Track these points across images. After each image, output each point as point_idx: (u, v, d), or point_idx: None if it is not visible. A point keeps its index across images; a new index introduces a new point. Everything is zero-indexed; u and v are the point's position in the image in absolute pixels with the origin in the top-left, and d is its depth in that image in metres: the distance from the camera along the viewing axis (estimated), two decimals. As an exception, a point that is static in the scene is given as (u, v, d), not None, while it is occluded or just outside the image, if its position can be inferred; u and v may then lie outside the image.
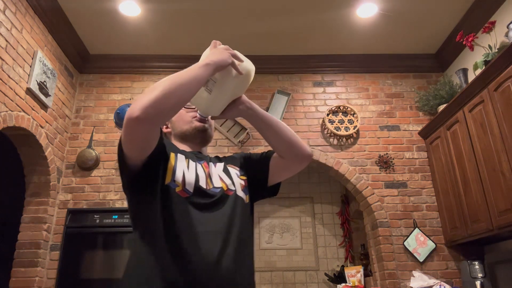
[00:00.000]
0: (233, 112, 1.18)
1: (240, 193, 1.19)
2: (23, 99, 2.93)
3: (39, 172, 3.30)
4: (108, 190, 3.52)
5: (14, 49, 2.80)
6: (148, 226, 1.06)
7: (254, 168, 1.29)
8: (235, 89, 1.14)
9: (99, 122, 3.76)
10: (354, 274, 3.76)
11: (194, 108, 1.29)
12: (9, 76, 2.74)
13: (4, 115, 2.69)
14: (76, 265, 3.25)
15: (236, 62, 1.09)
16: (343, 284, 3.82)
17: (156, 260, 1.00)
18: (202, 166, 1.19)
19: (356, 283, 3.68)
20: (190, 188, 1.10)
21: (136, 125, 0.94)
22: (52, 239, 3.32)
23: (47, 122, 3.29)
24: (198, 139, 1.28)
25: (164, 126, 1.33)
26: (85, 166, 3.55)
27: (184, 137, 1.28)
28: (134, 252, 1.07)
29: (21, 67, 2.90)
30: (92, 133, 3.69)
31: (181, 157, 1.16)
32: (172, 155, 1.15)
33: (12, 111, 2.78)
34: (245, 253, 1.10)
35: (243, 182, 1.23)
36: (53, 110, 3.39)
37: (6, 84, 2.71)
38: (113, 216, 3.40)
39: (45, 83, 3.18)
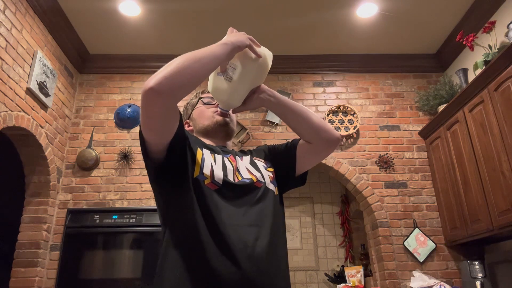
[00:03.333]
0: (255, 102, 1.17)
1: (270, 185, 1.18)
2: (23, 99, 2.93)
3: (39, 172, 3.30)
4: (108, 190, 3.52)
5: (14, 49, 2.80)
6: (184, 218, 1.04)
7: (281, 159, 1.27)
8: (255, 75, 1.12)
9: (99, 122, 3.76)
10: (354, 274, 3.76)
11: (215, 104, 1.28)
12: (9, 76, 2.74)
13: (4, 115, 2.69)
14: (76, 265, 3.25)
15: (254, 46, 1.09)
16: (343, 284, 3.82)
17: (200, 251, 0.98)
18: (229, 159, 1.18)
19: (356, 283, 3.68)
20: (219, 181, 1.09)
21: (151, 97, 0.92)
22: (52, 239, 3.32)
23: (47, 122, 3.29)
24: (221, 133, 1.27)
25: (186, 125, 1.34)
26: (85, 166, 3.55)
27: (206, 132, 1.27)
28: (169, 245, 1.03)
29: (21, 67, 2.90)
30: (92, 133, 3.69)
31: (207, 151, 1.15)
32: (199, 149, 1.14)
33: (12, 111, 2.78)
34: (278, 244, 1.09)
35: (271, 174, 1.21)
36: (53, 110, 3.39)
37: (6, 84, 2.71)
38: (113, 216, 3.40)
39: (45, 83, 3.18)
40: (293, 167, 1.25)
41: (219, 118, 1.26)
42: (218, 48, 1.02)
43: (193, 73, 0.96)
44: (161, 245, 1.07)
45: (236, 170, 1.15)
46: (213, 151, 1.17)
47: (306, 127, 1.20)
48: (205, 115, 1.29)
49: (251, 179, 1.14)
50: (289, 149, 1.26)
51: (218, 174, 1.10)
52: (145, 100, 0.94)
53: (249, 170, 1.18)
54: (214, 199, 1.05)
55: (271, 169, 1.23)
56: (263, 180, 1.16)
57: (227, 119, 1.27)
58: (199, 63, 0.98)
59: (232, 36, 1.07)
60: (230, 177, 1.11)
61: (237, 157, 1.22)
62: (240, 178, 1.13)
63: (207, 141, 1.25)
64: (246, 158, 1.23)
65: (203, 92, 1.37)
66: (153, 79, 0.92)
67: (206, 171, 1.09)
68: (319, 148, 1.22)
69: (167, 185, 1.10)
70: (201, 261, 0.98)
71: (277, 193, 1.20)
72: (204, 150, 1.15)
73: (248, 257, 0.99)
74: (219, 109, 1.25)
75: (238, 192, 1.09)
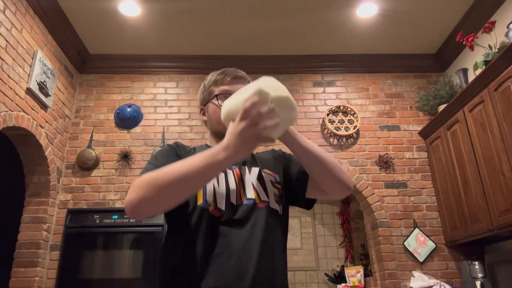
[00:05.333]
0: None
1: (274, 204, 1.13)
2: (23, 99, 2.93)
3: (39, 172, 3.30)
4: (108, 190, 3.52)
5: (14, 49, 2.80)
6: (184, 245, 1.05)
7: (292, 181, 1.21)
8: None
9: (99, 122, 3.76)
10: (354, 274, 3.76)
11: None
12: (9, 76, 2.74)
13: (4, 115, 2.69)
14: (76, 265, 3.25)
15: (269, 123, 0.88)
16: (343, 284, 3.82)
17: (196, 278, 1.00)
18: (233, 173, 1.14)
19: (356, 283, 3.68)
20: (222, 206, 1.06)
21: (134, 216, 0.95)
22: (52, 239, 3.32)
23: (47, 122, 3.29)
24: None
25: (201, 112, 1.29)
26: (85, 166, 3.55)
27: (217, 135, 1.23)
28: (167, 259, 1.08)
29: (21, 67, 2.90)
30: (92, 133, 3.69)
31: None
32: None
33: (12, 111, 2.78)
34: (276, 265, 1.07)
35: (277, 192, 1.16)
36: (53, 110, 3.39)
37: (6, 84, 2.71)
38: (113, 216, 3.39)
39: (45, 83, 3.18)
40: (303, 193, 1.20)
41: None
42: (213, 164, 0.89)
43: (179, 194, 0.92)
44: (160, 263, 1.09)
45: (241, 187, 1.12)
46: None
47: (319, 173, 1.12)
48: (217, 117, 1.17)
49: (254, 199, 1.10)
50: (303, 174, 1.19)
51: (221, 199, 1.07)
52: (130, 215, 0.94)
53: (254, 186, 1.13)
54: (216, 226, 1.04)
55: (279, 186, 1.19)
56: (267, 199, 1.12)
57: None
58: (186, 184, 0.91)
59: (238, 138, 0.88)
60: (233, 200, 1.09)
61: (244, 168, 1.17)
62: (243, 200, 1.10)
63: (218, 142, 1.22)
64: (255, 171, 1.17)
65: (221, 83, 1.22)
66: (130, 205, 0.91)
67: (209, 197, 1.07)
68: (328, 193, 1.17)
69: (172, 215, 1.11)
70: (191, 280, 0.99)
71: (281, 212, 1.15)
72: None
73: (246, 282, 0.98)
74: None
75: (240, 214, 1.07)
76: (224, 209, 1.06)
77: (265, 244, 1.05)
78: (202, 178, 0.92)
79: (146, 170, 1.08)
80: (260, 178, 1.16)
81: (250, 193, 1.11)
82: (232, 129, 0.89)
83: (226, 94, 1.17)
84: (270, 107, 0.87)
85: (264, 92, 0.89)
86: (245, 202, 1.09)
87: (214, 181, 1.10)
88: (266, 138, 0.88)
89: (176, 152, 1.16)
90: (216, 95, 1.20)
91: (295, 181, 1.21)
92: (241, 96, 0.94)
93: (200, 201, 1.07)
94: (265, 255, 1.04)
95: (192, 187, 0.93)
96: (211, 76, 1.25)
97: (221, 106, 1.15)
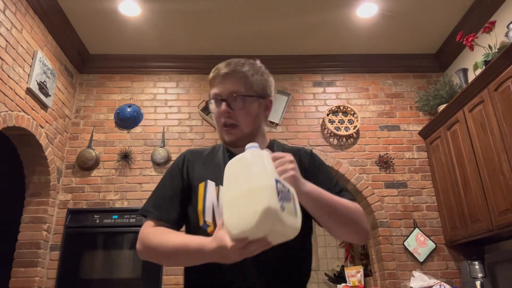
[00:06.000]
0: None
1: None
2: (23, 99, 2.93)
3: (39, 172, 3.30)
4: (108, 190, 3.52)
5: (14, 49, 2.80)
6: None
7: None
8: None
9: (99, 122, 3.76)
10: (354, 274, 3.75)
11: (222, 107, 1.12)
12: (9, 76, 2.74)
13: (4, 115, 2.69)
14: (76, 265, 3.25)
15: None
16: (343, 284, 3.82)
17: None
18: None
19: (356, 283, 3.68)
20: None
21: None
22: (52, 239, 3.32)
23: (47, 122, 3.29)
24: (236, 148, 1.15)
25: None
26: (85, 166, 3.55)
27: (220, 139, 1.21)
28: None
29: (21, 67, 2.90)
30: (92, 133, 3.69)
31: (211, 185, 1.10)
32: (201, 186, 1.10)
33: (12, 111, 2.78)
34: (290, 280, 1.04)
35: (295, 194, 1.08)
36: (53, 110, 3.39)
37: (6, 84, 2.70)
38: (113, 216, 3.40)
39: (45, 83, 3.17)
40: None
41: (226, 139, 1.15)
42: (199, 260, 0.94)
43: (167, 264, 1.08)
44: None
45: None
46: (221, 178, 1.01)
47: (336, 231, 1.05)
48: (216, 125, 1.17)
49: None
50: None
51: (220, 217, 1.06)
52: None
53: None
54: None
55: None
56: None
57: (236, 143, 1.14)
58: (170, 262, 1.06)
59: (225, 259, 0.87)
60: None
61: None
62: None
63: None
64: None
65: (212, 83, 1.17)
66: (137, 250, 1.08)
67: (208, 217, 1.07)
68: (340, 239, 1.15)
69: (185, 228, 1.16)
70: None
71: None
72: (209, 182, 1.10)
73: None
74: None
75: None
76: None
77: (270, 261, 1.00)
78: (187, 263, 1.04)
79: (154, 199, 1.17)
80: None
81: None
82: (218, 244, 0.85)
83: (216, 99, 1.14)
84: (262, 243, 0.81)
85: (259, 226, 0.79)
86: None
87: (213, 199, 1.07)
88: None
89: (179, 173, 1.16)
90: (206, 102, 1.18)
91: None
92: (233, 213, 0.82)
93: (201, 222, 1.07)
94: (276, 276, 1.01)
95: (176, 265, 1.04)
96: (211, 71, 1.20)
97: (213, 112, 1.16)
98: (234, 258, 0.84)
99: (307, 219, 1.06)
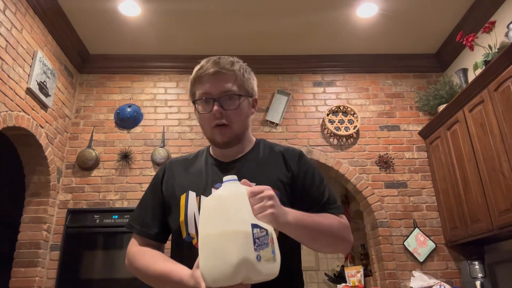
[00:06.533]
0: None
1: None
2: (23, 99, 2.93)
3: (39, 172, 3.30)
4: (108, 190, 3.52)
5: (14, 49, 2.80)
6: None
7: (304, 203, 1.06)
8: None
9: (99, 122, 3.76)
10: (354, 274, 3.75)
11: (210, 110, 1.06)
12: (9, 76, 2.74)
13: (4, 115, 2.69)
14: (76, 265, 3.25)
15: None
16: (343, 284, 3.82)
17: None
18: None
19: (356, 283, 3.68)
20: None
21: None
22: (52, 239, 3.32)
23: (47, 122, 3.29)
24: (223, 150, 1.13)
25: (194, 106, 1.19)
26: (85, 166, 3.55)
27: (209, 141, 1.16)
28: None
29: (21, 67, 2.90)
30: (92, 133, 3.69)
31: (191, 195, 1.07)
32: (183, 198, 1.08)
33: (12, 111, 2.78)
34: None
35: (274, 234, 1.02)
36: (53, 110, 3.39)
37: (6, 84, 2.71)
38: (113, 216, 3.40)
39: (45, 83, 3.17)
40: None
41: (218, 140, 1.09)
42: (174, 286, 0.95)
43: (150, 284, 1.08)
44: None
45: None
46: (199, 190, 1.07)
47: (322, 250, 1.11)
48: (203, 126, 1.11)
49: None
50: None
51: None
52: None
53: None
54: None
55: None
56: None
57: (229, 144, 1.11)
58: (157, 285, 1.06)
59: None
60: None
61: None
62: None
63: (213, 149, 1.17)
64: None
65: (200, 81, 1.08)
66: (126, 262, 1.15)
67: (191, 229, 1.05)
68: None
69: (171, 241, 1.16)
70: None
71: (278, 235, 0.94)
72: (190, 193, 1.07)
73: None
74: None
75: None
76: None
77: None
78: None
79: (137, 213, 1.21)
80: None
81: None
82: (193, 284, 0.87)
83: (205, 99, 1.07)
84: None
85: (235, 279, 0.78)
86: None
87: (195, 210, 1.05)
88: None
89: (158, 186, 1.17)
90: (194, 102, 1.10)
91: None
92: (209, 258, 0.81)
93: (184, 235, 1.06)
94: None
95: None
96: (194, 71, 1.11)
97: (203, 114, 1.07)
98: None
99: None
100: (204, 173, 1.11)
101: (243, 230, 0.79)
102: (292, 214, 0.92)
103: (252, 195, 0.84)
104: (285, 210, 0.90)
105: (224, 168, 1.11)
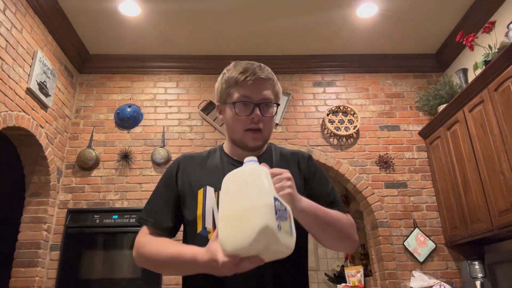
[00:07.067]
0: None
1: None
2: (23, 99, 2.93)
3: (39, 172, 3.30)
4: (108, 190, 3.52)
5: (14, 49, 2.80)
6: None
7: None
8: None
9: (99, 122, 3.76)
10: (354, 274, 3.75)
11: (249, 114, 1.10)
12: (9, 76, 2.74)
13: (4, 115, 2.69)
14: (76, 265, 3.25)
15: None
16: (343, 284, 3.82)
17: None
18: None
19: (356, 283, 3.68)
20: None
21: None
22: (52, 239, 3.32)
23: (47, 122, 3.29)
24: (248, 152, 1.13)
25: (217, 110, 1.21)
26: (85, 166, 3.55)
27: (234, 143, 1.16)
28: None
29: (21, 67, 2.90)
30: (92, 133, 3.69)
31: (210, 190, 1.08)
32: (200, 192, 1.09)
33: (12, 111, 2.78)
34: None
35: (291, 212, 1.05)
36: (53, 110, 3.39)
37: (6, 84, 2.71)
38: (113, 216, 3.40)
39: (45, 83, 3.17)
40: None
41: (250, 143, 1.12)
42: (191, 270, 0.94)
43: (160, 272, 1.08)
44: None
45: None
46: (220, 183, 1.03)
47: (329, 244, 1.09)
48: (236, 127, 1.12)
49: None
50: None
51: None
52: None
53: None
54: None
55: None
56: None
57: (260, 146, 1.15)
58: (164, 271, 1.08)
59: (212, 268, 0.87)
60: None
61: None
62: None
63: (233, 150, 1.17)
64: None
65: (241, 85, 1.11)
66: (134, 257, 1.11)
67: (208, 224, 1.05)
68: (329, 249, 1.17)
69: (183, 237, 1.16)
70: None
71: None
72: (208, 189, 1.09)
73: None
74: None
75: None
76: None
77: (278, 275, 1.01)
78: (181, 272, 1.06)
79: (149, 206, 1.18)
80: None
81: None
82: (210, 257, 0.85)
83: (245, 102, 1.10)
84: (255, 261, 0.80)
85: (255, 244, 0.79)
86: None
87: (214, 205, 1.06)
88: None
89: (172, 180, 1.16)
90: (234, 103, 1.11)
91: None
92: (230, 229, 0.82)
93: (199, 229, 1.06)
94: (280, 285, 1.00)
95: (172, 274, 1.09)
96: (232, 72, 1.14)
97: (239, 115, 1.10)
98: (225, 273, 0.84)
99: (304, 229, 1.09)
100: (221, 170, 1.12)
101: (265, 201, 0.81)
102: (306, 201, 0.97)
103: (272, 175, 0.88)
104: (300, 196, 0.95)
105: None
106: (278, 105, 1.18)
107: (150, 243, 1.06)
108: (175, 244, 1.02)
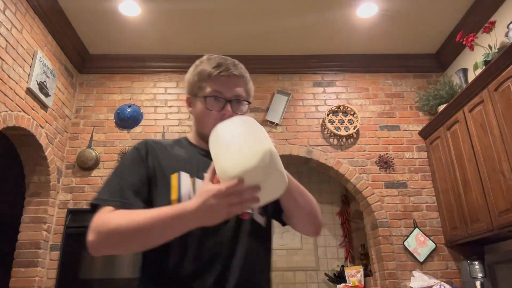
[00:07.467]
0: None
1: (257, 217, 1.06)
2: (23, 99, 2.93)
3: (39, 172, 3.30)
4: (108, 190, 3.51)
5: (14, 49, 2.80)
6: (160, 255, 0.99)
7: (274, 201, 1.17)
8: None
9: (99, 122, 3.76)
10: (354, 274, 3.76)
11: (219, 110, 1.07)
12: (9, 76, 2.74)
13: (4, 115, 2.69)
14: (76, 265, 3.25)
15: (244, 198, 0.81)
16: (343, 284, 3.82)
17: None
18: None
19: (356, 283, 3.68)
20: None
21: (94, 255, 0.96)
22: (52, 239, 3.32)
23: (47, 122, 3.29)
24: None
25: (187, 102, 1.16)
26: (85, 166, 3.55)
27: (202, 137, 1.12)
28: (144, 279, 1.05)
29: (21, 67, 2.90)
30: (92, 133, 3.69)
31: (185, 176, 1.04)
32: (174, 177, 1.03)
33: (12, 111, 2.78)
34: (254, 282, 1.02)
35: None
36: (53, 110, 3.39)
37: (6, 84, 2.71)
38: (113, 216, 3.39)
39: (45, 83, 3.18)
40: (280, 214, 1.15)
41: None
42: (177, 226, 0.87)
43: (136, 247, 0.94)
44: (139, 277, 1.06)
45: None
46: (193, 173, 1.04)
47: (298, 218, 1.10)
48: (205, 122, 1.08)
49: None
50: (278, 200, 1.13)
51: None
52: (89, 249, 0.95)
53: None
54: (192, 240, 0.97)
55: None
56: (251, 211, 1.02)
57: None
58: (145, 239, 0.90)
59: (209, 211, 0.82)
60: None
61: None
62: None
63: (201, 143, 1.13)
64: None
65: (214, 79, 1.09)
66: (92, 242, 0.94)
67: None
68: (297, 229, 1.15)
69: None
70: None
71: (264, 225, 1.08)
72: (182, 174, 1.03)
73: None
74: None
75: (219, 227, 0.95)
76: None
77: (247, 262, 0.99)
78: (164, 236, 0.90)
79: (109, 189, 1.02)
80: None
81: None
82: (204, 196, 0.82)
83: (216, 97, 1.07)
84: (255, 189, 0.80)
85: (257, 170, 0.79)
86: None
87: (190, 191, 1.01)
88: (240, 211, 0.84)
89: (142, 158, 1.06)
90: (205, 97, 1.08)
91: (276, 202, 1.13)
92: (231, 158, 0.82)
93: None
94: (247, 274, 0.98)
95: (154, 242, 0.91)
96: (205, 65, 1.11)
97: (209, 110, 1.07)
98: (220, 213, 0.81)
99: (269, 227, 1.12)
100: (193, 159, 1.09)
101: (265, 135, 0.86)
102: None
103: None
104: None
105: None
106: (249, 103, 1.14)
107: (117, 214, 0.93)
108: (151, 209, 0.92)
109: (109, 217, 0.93)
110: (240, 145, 0.84)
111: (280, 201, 1.06)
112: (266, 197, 0.84)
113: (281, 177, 0.85)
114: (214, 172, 0.87)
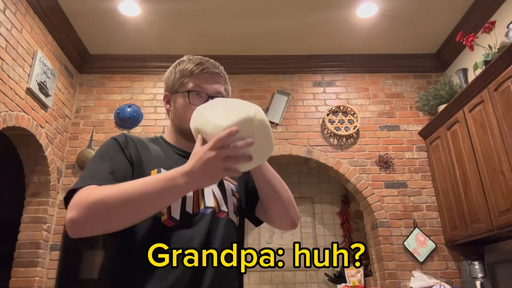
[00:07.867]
0: None
1: (232, 215, 1.08)
2: (23, 99, 2.93)
3: (39, 172, 3.30)
4: (108, 190, 3.51)
5: (14, 49, 2.80)
6: (130, 254, 0.95)
7: (247, 195, 1.17)
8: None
9: (99, 122, 3.76)
10: (354, 274, 3.76)
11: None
12: (9, 76, 2.74)
13: (4, 115, 2.69)
14: (76, 265, 3.25)
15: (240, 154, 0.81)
16: (343, 284, 3.82)
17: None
18: None
19: (356, 283, 3.68)
20: (177, 215, 0.97)
21: (76, 237, 0.86)
22: (52, 239, 3.32)
23: (47, 122, 3.29)
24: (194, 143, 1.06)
25: (165, 99, 1.16)
26: (85, 166, 3.55)
27: (179, 131, 1.12)
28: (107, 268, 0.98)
29: (21, 67, 2.90)
30: (92, 133, 3.69)
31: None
32: (154, 173, 1.01)
33: (12, 111, 2.78)
34: (232, 283, 1.02)
35: (236, 202, 1.11)
36: (53, 110, 3.39)
37: (6, 84, 2.71)
38: (113, 216, 3.39)
39: (45, 83, 3.18)
40: (252, 210, 1.17)
41: None
42: (171, 189, 0.83)
43: (128, 219, 0.86)
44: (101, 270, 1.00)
45: (200, 193, 1.03)
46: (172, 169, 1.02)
47: (273, 208, 1.10)
48: (187, 116, 1.03)
49: (213, 208, 1.03)
50: (253, 193, 1.15)
51: (176, 206, 0.98)
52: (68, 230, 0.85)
53: (215, 194, 1.06)
54: (168, 238, 0.95)
55: (238, 196, 1.13)
56: (226, 209, 1.05)
57: None
58: (138, 208, 0.84)
59: (203, 167, 0.80)
60: (189, 208, 1.00)
61: None
62: (201, 207, 1.01)
63: (179, 140, 1.12)
64: None
65: (196, 76, 1.11)
66: (75, 219, 0.83)
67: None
68: (273, 224, 1.15)
69: None
70: None
71: (237, 224, 1.10)
72: (162, 171, 1.01)
73: None
74: None
75: (196, 225, 0.98)
76: (178, 218, 0.97)
77: (216, 274, 0.98)
78: (157, 203, 0.85)
79: (89, 173, 0.95)
80: (221, 185, 1.09)
81: (210, 201, 1.03)
82: (199, 154, 0.81)
83: (198, 92, 1.09)
84: (248, 141, 0.80)
85: (249, 122, 0.81)
86: (201, 210, 1.01)
87: None
88: (233, 171, 0.82)
89: (122, 148, 1.02)
90: (188, 91, 1.09)
91: (249, 195, 1.17)
92: (221, 115, 0.84)
93: None
94: (220, 272, 0.98)
95: (144, 212, 0.86)
96: (186, 64, 1.13)
97: (191, 104, 1.06)
98: (216, 168, 0.79)
99: (243, 226, 1.14)
100: (171, 158, 1.08)
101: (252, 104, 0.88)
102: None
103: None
104: None
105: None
106: None
107: (102, 187, 0.86)
108: (141, 178, 0.88)
109: (93, 190, 0.86)
110: (229, 105, 0.87)
111: (257, 187, 1.08)
112: (256, 158, 0.84)
113: (269, 137, 0.87)
114: (203, 141, 0.86)
